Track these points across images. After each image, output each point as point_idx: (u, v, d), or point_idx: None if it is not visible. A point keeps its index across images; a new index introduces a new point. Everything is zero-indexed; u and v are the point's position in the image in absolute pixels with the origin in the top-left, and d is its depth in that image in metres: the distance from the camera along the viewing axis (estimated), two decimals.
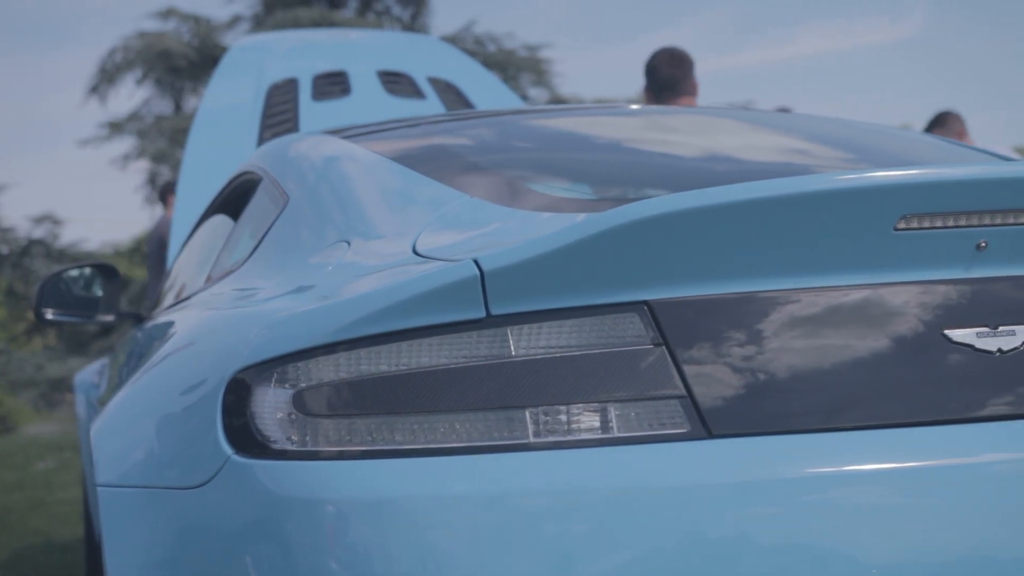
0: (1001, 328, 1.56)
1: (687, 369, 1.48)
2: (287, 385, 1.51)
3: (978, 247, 1.55)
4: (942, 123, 6.17)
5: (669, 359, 1.49)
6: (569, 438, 1.46)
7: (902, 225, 1.50)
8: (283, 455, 1.49)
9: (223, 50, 13.13)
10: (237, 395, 1.55)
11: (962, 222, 1.52)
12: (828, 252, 1.52)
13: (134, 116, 15.88)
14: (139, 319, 3.59)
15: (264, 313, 1.72)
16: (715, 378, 1.49)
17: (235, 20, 15.77)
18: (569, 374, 1.47)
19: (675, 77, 4.59)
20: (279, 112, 5.55)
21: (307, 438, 1.49)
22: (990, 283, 1.58)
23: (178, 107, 15.95)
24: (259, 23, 15.23)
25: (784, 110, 5.52)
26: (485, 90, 6.08)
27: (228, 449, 1.54)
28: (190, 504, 1.59)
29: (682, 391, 1.48)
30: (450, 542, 1.42)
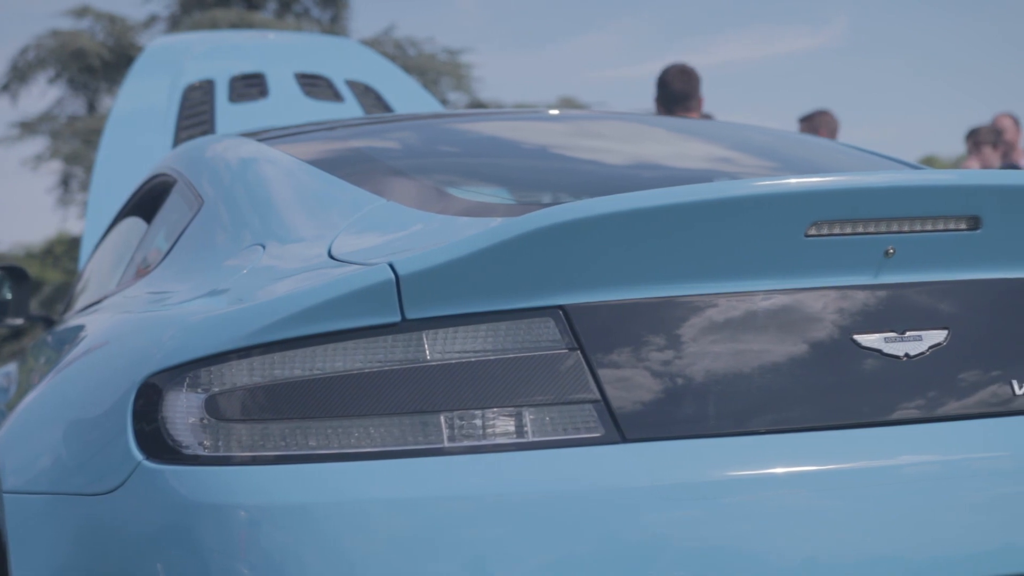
0: (908, 333, 1.59)
1: (602, 373, 1.49)
2: (199, 390, 1.49)
3: (886, 253, 1.58)
4: (812, 120, 6.44)
5: (584, 363, 1.50)
6: (484, 443, 1.46)
7: (813, 231, 1.53)
8: (195, 460, 1.48)
9: (139, 50, 12.95)
10: (148, 400, 1.53)
11: (871, 229, 1.55)
12: (741, 257, 1.54)
13: (47, 116, 15.59)
14: (49, 323, 3.53)
15: (177, 317, 1.70)
16: (629, 382, 1.50)
17: (151, 20, 15.57)
18: (484, 378, 1.48)
19: (685, 91, 5.07)
20: (195, 114, 5.50)
21: (219, 443, 1.47)
22: (898, 289, 1.61)
23: (92, 107, 15.70)
24: (176, 23, 15.05)
25: (706, 117, 5.65)
26: (404, 94, 6.08)
27: (138, 455, 1.52)
28: (99, 511, 1.56)
29: (596, 395, 1.49)
30: (365, 548, 1.41)
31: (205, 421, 1.48)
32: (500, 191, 2.17)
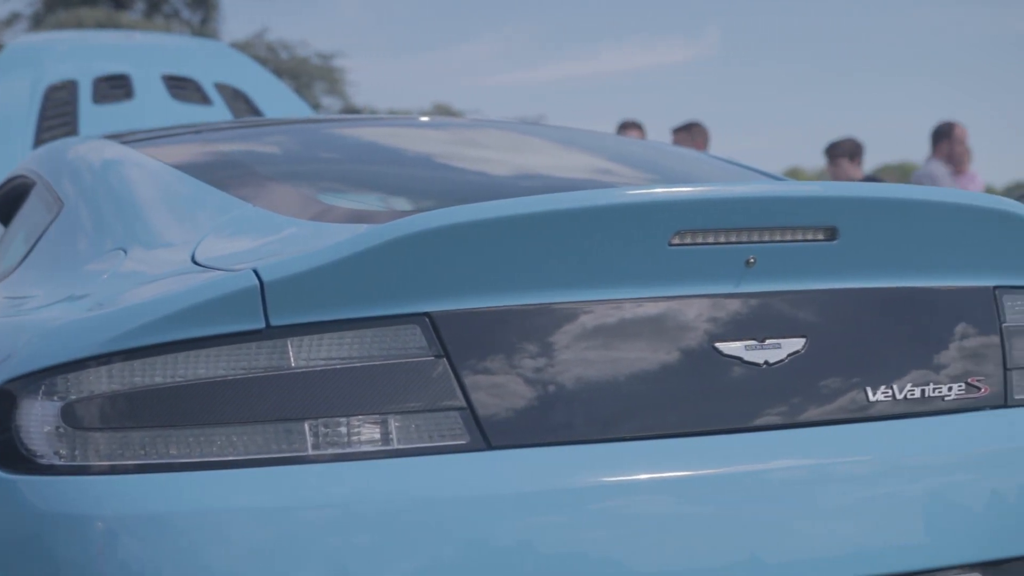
0: (768, 341, 1.62)
1: (467, 381, 1.50)
2: (56, 397, 1.46)
3: (747, 263, 1.61)
4: (689, 130, 6.68)
5: (450, 371, 1.50)
6: (349, 450, 1.46)
7: (676, 240, 1.55)
8: (50, 470, 1.44)
9: None
10: (1, 408, 1.49)
11: (732, 239, 1.58)
12: (607, 266, 1.56)
13: None
14: None
15: (33, 322, 1.66)
16: (495, 390, 1.50)
17: (13, 18, 15.19)
18: (349, 386, 1.47)
19: None
20: (57, 115, 5.39)
21: (76, 452, 1.44)
22: (758, 298, 1.64)
23: None
24: (39, 22, 14.69)
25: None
26: (275, 98, 6.04)
27: None
28: None
29: (462, 403, 1.49)
30: (228, 558, 1.39)
31: (61, 430, 1.45)
32: (369, 198, 2.16)
